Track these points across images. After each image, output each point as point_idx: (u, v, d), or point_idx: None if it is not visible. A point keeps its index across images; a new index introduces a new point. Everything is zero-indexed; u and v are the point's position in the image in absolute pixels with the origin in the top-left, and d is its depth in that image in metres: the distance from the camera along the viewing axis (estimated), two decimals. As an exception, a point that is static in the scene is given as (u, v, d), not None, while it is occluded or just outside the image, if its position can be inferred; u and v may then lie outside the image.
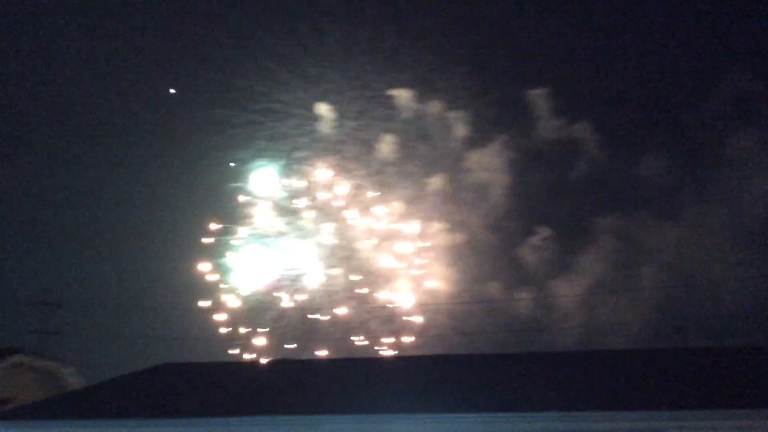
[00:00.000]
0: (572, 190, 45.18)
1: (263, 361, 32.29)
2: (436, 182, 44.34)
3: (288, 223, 42.75)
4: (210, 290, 41.18)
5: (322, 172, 43.53)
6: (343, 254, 42.76)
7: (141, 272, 46.51)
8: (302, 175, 43.45)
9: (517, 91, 45.62)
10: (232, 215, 42.35)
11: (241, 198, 42.63)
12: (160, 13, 49.88)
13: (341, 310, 41.52)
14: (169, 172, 47.80)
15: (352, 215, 43.08)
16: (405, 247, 42.82)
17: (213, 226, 41.84)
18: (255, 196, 42.82)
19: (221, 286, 41.44)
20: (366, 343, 41.25)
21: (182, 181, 47.20)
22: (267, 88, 44.39)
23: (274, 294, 41.75)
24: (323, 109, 44.44)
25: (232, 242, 41.95)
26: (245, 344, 40.61)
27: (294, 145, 44.07)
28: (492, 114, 45.04)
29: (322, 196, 43.13)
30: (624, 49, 51.01)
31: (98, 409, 16.92)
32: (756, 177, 40.03)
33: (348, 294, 41.96)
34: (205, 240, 41.60)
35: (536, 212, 44.98)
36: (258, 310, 41.35)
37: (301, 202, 42.98)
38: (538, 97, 44.77)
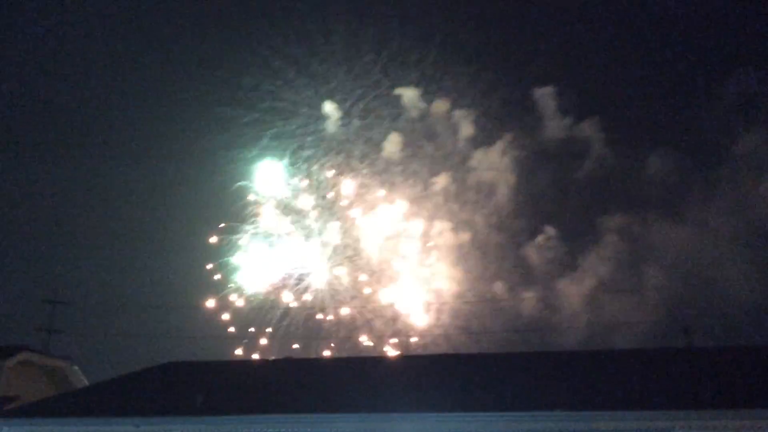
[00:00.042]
0: (578, 190, 45.09)
1: (268, 360, 32.33)
2: (441, 181, 44.30)
3: (293, 222, 42.79)
4: (216, 289, 41.25)
5: (328, 170, 43.57)
6: (349, 253, 42.79)
7: (147, 271, 46.66)
8: (308, 173, 43.47)
9: (523, 89, 45.56)
10: (238, 214, 42.40)
11: (247, 196, 42.68)
12: (167, 12, 49.93)
13: (346, 310, 41.55)
14: (175, 170, 47.95)
15: (357, 214, 43.10)
16: (410, 246, 42.83)
17: (219, 225, 41.90)
18: (261, 195, 42.86)
19: (227, 284, 41.50)
20: (371, 342, 41.27)
21: (188, 179, 47.33)
22: (273, 87, 44.44)
23: (280, 293, 41.80)
24: (329, 107, 44.47)
25: (237, 241, 42.00)
26: (251, 343, 40.67)
27: (300, 144, 44.09)
28: (498, 113, 44.97)
29: (327, 194, 43.17)
30: (631, 47, 50.87)
31: (104, 407, 16.97)
32: (763, 176, 39.90)
33: (353, 293, 42.00)
34: (211, 239, 41.67)
35: (542, 211, 44.89)
36: (263, 309, 41.39)
37: (306, 201, 43.01)
38: (544, 96, 44.69)
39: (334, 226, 42.82)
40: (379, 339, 41.05)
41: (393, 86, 45.12)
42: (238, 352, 39.97)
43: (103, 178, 49.44)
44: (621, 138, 46.39)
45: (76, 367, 24.38)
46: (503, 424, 14.36)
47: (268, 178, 43.09)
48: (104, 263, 48.78)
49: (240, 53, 45.50)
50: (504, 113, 45.20)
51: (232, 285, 41.34)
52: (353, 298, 41.84)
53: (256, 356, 39.63)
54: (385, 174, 44.01)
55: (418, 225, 43.04)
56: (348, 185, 43.31)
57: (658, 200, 44.01)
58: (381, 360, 26.97)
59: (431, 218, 43.59)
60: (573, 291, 41.42)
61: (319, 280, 42.15)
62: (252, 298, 41.53)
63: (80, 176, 49.83)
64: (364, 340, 41.03)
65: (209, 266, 41.24)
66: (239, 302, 41.31)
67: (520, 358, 19.96)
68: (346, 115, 44.66)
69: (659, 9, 48.83)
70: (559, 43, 50.06)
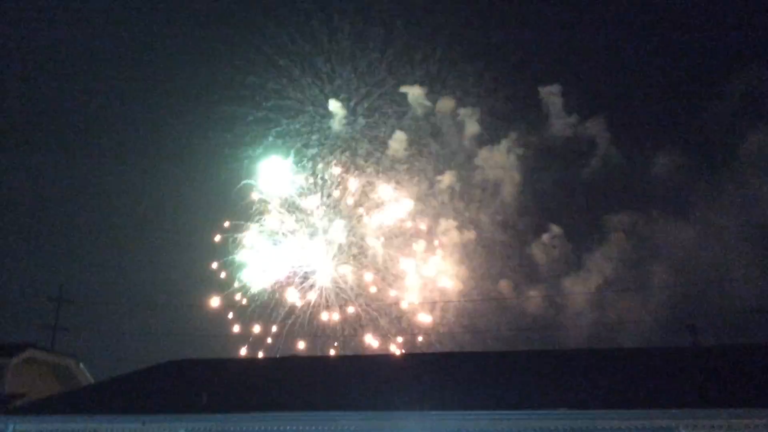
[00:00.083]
0: (583, 188, 45.07)
1: (273, 358, 32.37)
2: (447, 179, 44.36)
3: (299, 220, 42.82)
4: (221, 287, 41.31)
5: (334, 168, 43.57)
6: (354, 252, 42.80)
7: (152, 269, 46.79)
8: (313, 171, 43.49)
9: (529, 88, 45.62)
10: (243, 212, 42.45)
11: (253, 195, 42.71)
12: (173, 12, 50.02)
13: (351, 308, 41.57)
14: (180, 169, 48.03)
15: (362, 212, 43.11)
16: (415, 244, 42.83)
17: (224, 224, 41.95)
18: (266, 193, 42.88)
19: (232, 283, 41.55)
20: (376, 340, 41.28)
21: (193, 178, 47.43)
22: (279, 86, 44.54)
23: (285, 291, 41.83)
24: (335, 106, 44.57)
25: (242, 239, 42.04)
26: (256, 341, 40.72)
27: (305, 142, 44.16)
28: (503, 111, 45.03)
29: (332, 193, 43.17)
30: (636, 46, 50.79)
31: (110, 404, 17.04)
32: (768, 175, 39.80)
33: (358, 291, 42.00)
34: (216, 237, 41.72)
35: (547, 210, 44.96)
36: (268, 308, 41.43)
37: (312, 199, 43.02)
38: (549, 94, 44.74)
39: (339, 224, 42.86)
40: (384, 338, 41.09)
41: (398, 85, 45.24)
42: (243, 351, 40.03)
43: (109, 177, 49.62)
44: (626, 136, 46.53)
45: (81, 365, 24.48)
46: (507, 423, 14.35)
47: (274, 176, 43.13)
48: (110, 261, 48.92)
49: (246, 52, 45.59)
50: (509, 111, 45.28)
51: (237, 283, 41.42)
52: (358, 296, 41.88)
53: (260, 355, 39.73)
54: (391, 172, 44.05)
55: (423, 223, 43.08)
56: (353, 183, 43.35)
57: (664, 199, 44.04)
58: (385, 358, 26.98)
59: (437, 216, 43.64)
60: (578, 289, 41.45)
61: (324, 279, 42.19)
62: (257, 297, 41.60)
63: (86, 175, 50.00)
64: (369, 338, 41.07)
65: (214, 265, 41.34)
66: (245, 300, 41.40)
67: (524, 357, 19.97)
68: (352, 114, 44.76)
69: (665, 8, 48.74)
70: (564, 41, 50.05)
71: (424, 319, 41.55)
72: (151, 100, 53.68)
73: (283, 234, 42.52)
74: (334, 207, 43.03)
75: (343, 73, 44.84)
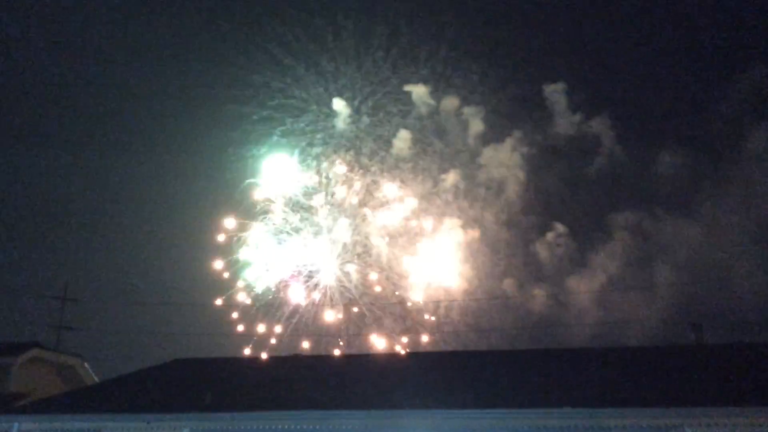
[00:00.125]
0: (588, 186, 45.00)
1: (277, 357, 32.39)
2: (451, 178, 44.27)
3: (303, 219, 42.82)
4: (225, 287, 41.34)
5: (338, 167, 43.56)
6: (358, 250, 42.79)
7: (157, 269, 46.85)
8: (318, 170, 43.49)
9: (533, 86, 45.52)
10: (248, 211, 42.46)
11: (257, 194, 42.73)
12: (177, 10, 50.07)
13: (355, 307, 41.55)
14: (185, 168, 48.10)
15: (367, 211, 43.10)
16: (420, 243, 42.81)
17: (228, 222, 41.95)
18: (270, 192, 42.90)
19: (236, 282, 41.58)
20: (381, 339, 41.27)
21: (198, 177, 47.47)
22: (283, 84, 44.50)
23: (289, 290, 41.84)
24: (339, 104, 44.50)
25: (247, 238, 42.05)
26: (259, 341, 40.75)
27: (310, 141, 44.13)
28: (508, 109, 44.92)
29: (337, 191, 43.17)
30: (641, 44, 50.69)
31: (114, 404, 17.08)
32: (773, 173, 39.68)
33: (363, 290, 42.00)
34: (220, 236, 41.74)
35: (552, 208, 44.80)
36: (272, 307, 41.45)
37: (316, 198, 43.03)
38: (554, 92, 44.60)
39: (343, 223, 42.86)
40: (389, 337, 41.09)
41: (402, 83, 45.14)
42: (247, 351, 40.03)
43: (114, 176, 49.67)
44: (631, 134, 46.40)
45: (86, 364, 24.55)
46: (511, 421, 14.34)
47: (278, 174, 43.14)
48: (115, 261, 48.97)
49: (250, 51, 45.54)
50: (514, 110, 45.19)
51: (241, 282, 41.45)
52: (363, 295, 41.87)
53: (264, 356, 39.75)
54: (395, 171, 44.03)
55: (428, 222, 43.06)
56: (358, 182, 43.36)
57: (669, 197, 43.89)
58: (389, 357, 26.99)
59: (441, 215, 43.61)
60: (583, 288, 41.37)
61: (328, 278, 42.21)
62: (261, 296, 41.62)
63: (91, 174, 50.06)
64: (374, 338, 41.07)
65: (218, 264, 41.35)
66: (248, 299, 41.41)
67: (529, 355, 19.98)
68: (356, 112, 44.72)
69: (670, 5, 48.63)
70: (568, 39, 49.98)
71: (429, 318, 41.56)
72: (155, 100, 53.70)
73: (287, 233, 42.56)
74: (339, 206, 43.05)
75: (347, 72, 44.83)
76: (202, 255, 42.48)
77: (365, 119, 44.83)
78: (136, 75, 53.13)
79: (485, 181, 44.70)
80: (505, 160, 44.68)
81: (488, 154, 44.92)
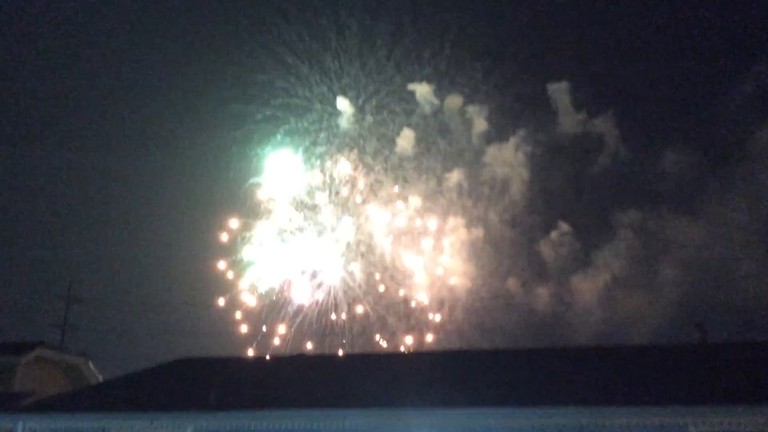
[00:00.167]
0: (592, 185, 44.92)
1: (281, 356, 32.39)
2: (454, 177, 44.20)
3: (307, 219, 42.79)
4: (228, 286, 41.32)
5: (342, 167, 43.51)
6: (362, 250, 42.75)
7: (161, 268, 46.92)
8: (321, 170, 43.45)
9: (537, 85, 45.39)
10: (251, 211, 42.43)
11: (260, 193, 42.70)
12: (180, 9, 50.13)
13: (360, 307, 41.53)
14: (188, 167, 48.15)
15: (371, 210, 43.05)
16: (424, 242, 42.76)
17: (232, 222, 41.93)
18: (274, 191, 42.87)
19: (239, 281, 41.56)
20: (385, 339, 41.25)
21: (201, 176, 47.52)
22: (287, 84, 44.46)
23: (292, 290, 41.81)
24: (343, 104, 44.44)
25: (250, 238, 42.03)
26: (263, 340, 40.74)
27: (313, 140, 44.09)
28: (512, 108, 44.81)
29: (341, 191, 43.13)
30: (645, 42, 50.54)
31: (119, 403, 17.09)
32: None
33: (366, 290, 41.96)
34: (223, 235, 41.71)
35: (556, 207, 44.71)
36: (276, 306, 41.43)
37: (320, 197, 43.00)
38: (558, 91, 44.48)
39: (347, 222, 42.83)
40: (392, 336, 41.06)
41: (406, 82, 45.06)
42: (250, 352, 40.02)
43: (117, 175, 49.72)
44: (636, 133, 46.26)
45: (91, 363, 24.60)
46: (515, 420, 14.32)
47: (282, 173, 43.13)
48: (119, 260, 49.06)
49: (253, 50, 45.51)
50: (518, 109, 45.08)
51: (244, 282, 41.45)
52: (367, 294, 41.85)
53: (268, 357, 39.73)
54: (399, 170, 43.99)
55: (432, 221, 43.01)
56: (361, 181, 43.33)
57: (673, 196, 43.78)
58: (393, 356, 26.98)
59: (444, 214, 43.56)
60: (587, 287, 41.29)
61: (332, 277, 42.18)
62: (264, 296, 41.62)
63: (95, 174, 50.13)
64: (378, 337, 41.04)
65: (221, 263, 41.36)
66: (251, 300, 41.40)
67: (532, 354, 19.94)
68: (360, 111, 44.68)
69: (675, 4, 48.53)
70: (573, 38, 49.87)
71: (433, 317, 41.50)
72: (158, 99, 53.77)
73: (291, 232, 42.53)
74: (343, 205, 43.01)
75: (351, 71, 44.76)
76: (206, 254, 42.52)
77: (369, 118, 44.78)
78: (139, 74, 53.25)
79: (489, 180, 44.67)
80: (508, 159, 44.62)
81: (492, 152, 44.86)
